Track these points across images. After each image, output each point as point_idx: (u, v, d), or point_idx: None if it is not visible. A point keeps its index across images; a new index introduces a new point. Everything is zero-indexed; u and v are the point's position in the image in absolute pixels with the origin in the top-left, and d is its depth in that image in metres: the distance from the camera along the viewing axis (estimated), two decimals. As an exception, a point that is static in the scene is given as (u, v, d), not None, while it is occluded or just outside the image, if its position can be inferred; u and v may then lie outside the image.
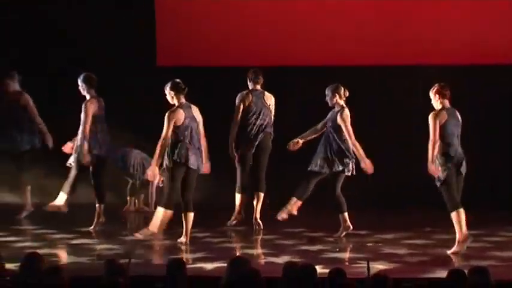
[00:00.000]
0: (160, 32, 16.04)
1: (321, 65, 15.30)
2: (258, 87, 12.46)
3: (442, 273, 7.82)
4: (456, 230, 10.79)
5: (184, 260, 8.79)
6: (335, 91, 11.78)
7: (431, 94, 10.82)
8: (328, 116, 11.91)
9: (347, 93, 11.76)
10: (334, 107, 11.83)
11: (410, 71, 14.90)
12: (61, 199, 12.37)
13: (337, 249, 11.26)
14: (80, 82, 12.29)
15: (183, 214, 11.40)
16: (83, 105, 12.17)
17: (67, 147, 12.68)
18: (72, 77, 13.05)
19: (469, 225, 12.22)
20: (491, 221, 12.69)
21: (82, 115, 12.14)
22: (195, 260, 10.43)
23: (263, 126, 12.32)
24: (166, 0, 16.22)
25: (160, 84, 13.53)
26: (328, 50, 15.75)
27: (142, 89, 13.08)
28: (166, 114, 11.39)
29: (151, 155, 11.72)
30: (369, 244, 11.18)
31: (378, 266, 9.63)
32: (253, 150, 12.41)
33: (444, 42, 15.36)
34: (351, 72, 14.56)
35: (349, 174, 11.77)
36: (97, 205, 12.42)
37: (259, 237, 12.12)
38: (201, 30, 16.05)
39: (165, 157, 11.38)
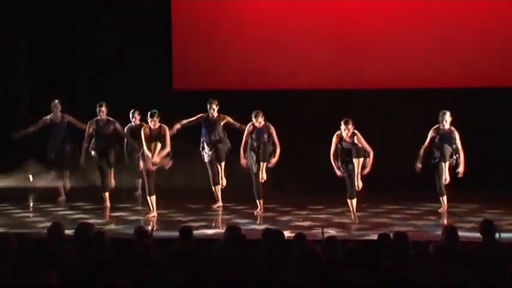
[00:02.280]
0: (176, 59, 14.93)
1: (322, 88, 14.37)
2: None
3: (374, 236, 7.92)
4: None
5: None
6: (262, 114, 11.63)
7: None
8: (250, 129, 11.68)
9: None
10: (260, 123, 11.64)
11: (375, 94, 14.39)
12: None
13: (300, 219, 11.24)
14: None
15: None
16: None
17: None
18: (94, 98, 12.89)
19: (395, 202, 12.39)
20: (410, 198, 12.73)
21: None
22: (200, 227, 10.45)
23: None
24: (183, 31, 14.86)
25: (176, 106, 13.33)
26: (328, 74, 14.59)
27: (160, 110, 12.71)
28: (168, 130, 11.50)
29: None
30: (300, 220, 11.27)
31: (330, 231, 9.70)
32: None
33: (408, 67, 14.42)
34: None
35: (271, 166, 11.74)
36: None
37: (246, 211, 11.98)
38: (214, 58, 14.75)
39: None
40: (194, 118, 12.18)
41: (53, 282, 5.60)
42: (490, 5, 14.29)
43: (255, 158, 11.71)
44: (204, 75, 14.81)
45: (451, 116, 11.63)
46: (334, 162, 11.06)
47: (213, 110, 12.05)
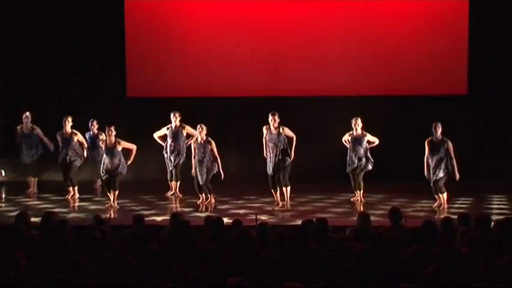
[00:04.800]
0: (130, 68, 14.25)
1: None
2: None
3: (299, 222, 7.92)
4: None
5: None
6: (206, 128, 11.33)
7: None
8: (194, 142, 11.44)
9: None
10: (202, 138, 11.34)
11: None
12: None
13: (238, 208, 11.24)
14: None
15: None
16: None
17: None
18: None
19: (318, 192, 12.36)
20: (330, 189, 12.71)
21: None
22: (150, 215, 10.35)
23: None
24: (135, 43, 14.18)
25: (130, 112, 13.06)
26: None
27: (114, 117, 11.83)
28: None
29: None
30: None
31: (262, 218, 9.66)
32: None
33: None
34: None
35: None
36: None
37: (188, 200, 11.87)
38: (164, 68, 14.17)
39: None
40: (164, 131, 12.15)
41: (20, 259, 5.46)
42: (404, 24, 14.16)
43: (198, 169, 11.42)
44: (155, 84, 14.30)
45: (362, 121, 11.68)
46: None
47: (176, 118, 12.06)
